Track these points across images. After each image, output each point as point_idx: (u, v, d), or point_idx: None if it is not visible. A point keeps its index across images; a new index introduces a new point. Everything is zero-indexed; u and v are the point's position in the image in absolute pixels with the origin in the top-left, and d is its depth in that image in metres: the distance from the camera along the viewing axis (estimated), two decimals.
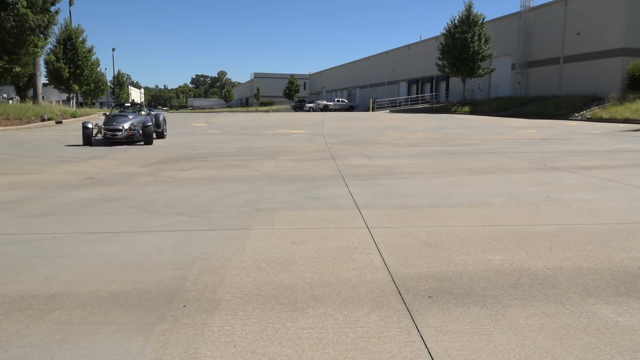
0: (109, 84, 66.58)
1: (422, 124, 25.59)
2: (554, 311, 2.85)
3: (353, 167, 9.45)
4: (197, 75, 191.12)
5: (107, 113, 16.02)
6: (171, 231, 4.63)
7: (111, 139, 14.36)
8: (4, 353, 2.40)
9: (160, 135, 16.59)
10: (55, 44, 39.85)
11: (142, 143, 14.67)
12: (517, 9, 42.83)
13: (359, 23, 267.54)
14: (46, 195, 6.47)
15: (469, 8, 39.99)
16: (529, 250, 3.97)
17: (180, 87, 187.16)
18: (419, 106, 48.60)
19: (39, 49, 24.15)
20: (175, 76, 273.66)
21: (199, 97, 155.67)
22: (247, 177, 8.13)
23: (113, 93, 73.07)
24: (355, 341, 2.51)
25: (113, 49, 68.82)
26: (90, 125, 14.37)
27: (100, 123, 14.90)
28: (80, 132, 14.52)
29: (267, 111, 56.42)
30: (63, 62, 39.75)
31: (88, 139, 14.26)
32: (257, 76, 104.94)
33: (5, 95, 45.14)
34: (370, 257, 3.83)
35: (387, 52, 65.54)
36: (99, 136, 14.69)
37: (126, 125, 14.40)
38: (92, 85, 45.68)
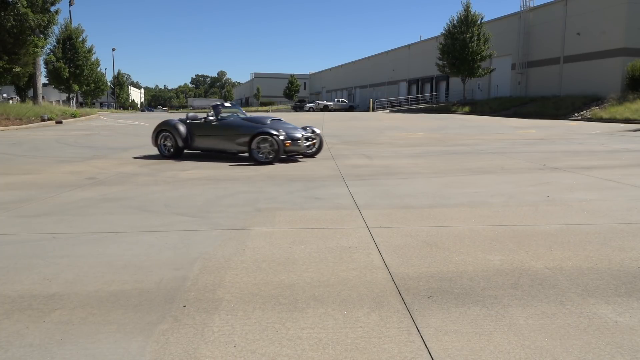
0: (109, 84, 66.64)
1: (422, 124, 25.58)
2: (554, 311, 2.85)
3: (353, 167, 9.45)
4: (197, 75, 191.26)
5: (222, 116, 10.98)
6: (171, 231, 4.63)
7: (295, 152, 10.47)
8: (4, 353, 2.40)
9: None
10: (55, 44, 39.92)
11: (301, 156, 10.97)
12: (517, 9, 42.90)
13: (359, 23, 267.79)
14: (46, 195, 6.47)
15: (467, 8, 40.02)
16: (529, 250, 3.97)
17: (180, 87, 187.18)
18: (419, 106, 48.60)
19: (39, 49, 24.16)
20: (175, 76, 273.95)
21: (199, 97, 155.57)
22: (247, 177, 8.13)
23: (113, 93, 73.12)
24: (355, 341, 2.51)
25: (113, 49, 68.92)
26: (277, 133, 9.87)
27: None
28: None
29: (267, 111, 56.42)
30: (63, 62, 39.82)
31: (276, 154, 9.80)
32: (257, 76, 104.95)
33: (5, 95, 45.15)
34: (370, 257, 3.83)
35: (387, 52, 65.54)
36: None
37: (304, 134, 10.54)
38: (92, 85, 45.75)
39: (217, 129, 10.64)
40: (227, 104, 11.83)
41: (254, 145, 9.90)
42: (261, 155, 9.94)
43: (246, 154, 10.35)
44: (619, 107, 27.20)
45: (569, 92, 34.40)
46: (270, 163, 9.85)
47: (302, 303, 2.98)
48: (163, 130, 11.05)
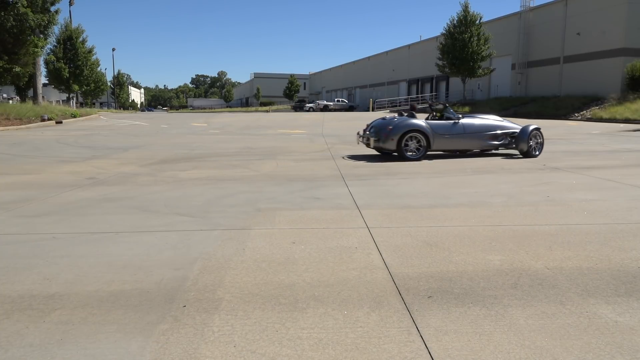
0: (109, 84, 66.63)
1: None
2: (554, 311, 2.85)
3: (353, 167, 9.44)
4: (197, 75, 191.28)
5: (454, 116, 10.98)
6: (171, 231, 4.63)
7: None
8: (4, 353, 2.39)
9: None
10: (55, 44, 39.92)
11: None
12: (517, 9, 42.91)
13: (359, 23, 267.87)
14: (46, 195, 6.47)
15: (465, 8, 40.02)
16: (529, 250, 3.97)
17: (180, 87, 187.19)
18: (419, 106, 48.55)
19: (39, 49, 24.15)
20: (175, 76, 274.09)
21: (199, 97, 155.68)
22: (247, 177, 8.13)
23: (113, 93, 73.10)
24: (355, 341, 2.51)
25: (113, 49, 68.89)
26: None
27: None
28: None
29: (267, 111, 56.43)
30: (63, 62, 39.80)
31: (542, 148, 11.11)
32: (257, 76, 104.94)
33: (5, 95, 45.15)
34: (370, 257, 3.83)
35: (387, 52, 65.53)
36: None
37: None
38: (92, 85, 45.73)
39: (464, 128, 10.79)
40: (441, 104, 11.98)
41: (532, 142, 10.99)
42: (535, 152, 11.05)
43: (491, 150, 11.40)
44: (619, 107, 27.21)
45: (569, 92, 34.41)
46: (535, 157, 10.89)
47: (302, 303, 2.97)
48: (410, 131, 10.40)
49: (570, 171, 8.55)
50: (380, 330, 2.63)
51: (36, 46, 23.40)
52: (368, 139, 10.88)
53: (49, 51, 37.85)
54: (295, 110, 57.57)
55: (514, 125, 11.30)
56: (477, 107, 38.25)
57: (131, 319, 2.76)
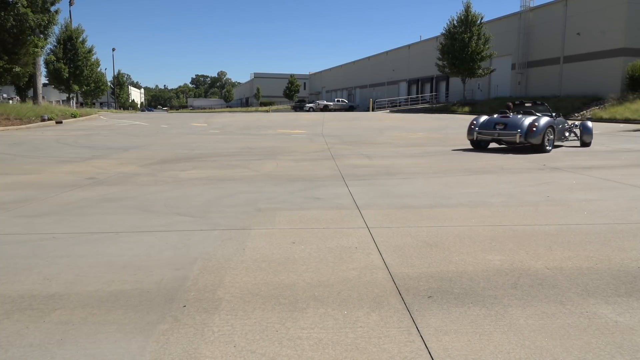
0: (109, 84, 66.62)
1: (422, 124, 25.59)
2: (554, 311, 2.85)
3: (353, 167, 9.44)
4: (197, 75, 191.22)
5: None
6: (171, 231, 4.63)
7: None
8: (4, 353, 2.39)
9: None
10: (55, 44, 39.93)
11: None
12: (517, 9, 42.86)
13: (359, 23, 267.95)
14: (46, 195, 6.46)
15: (467, 8, 40.02)
16: (529, 250, 3.97)
17: (180, 87, 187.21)
18: (419, 106, 48.60)
19: (39, 49, 24.14)
20: (175, 76, 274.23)
21: (199, 97, 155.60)
22: (247, 177, 8.13)
23: (113, 93, 73.11)
24: (355, 341, 2.51)
25: (113, 49, 68.93)
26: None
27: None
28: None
29: (267, 111, 56.42)
30: (63, 62, 39.81)
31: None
32: (257, 76, 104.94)
33: (5, 95, 45.13)
34: (370, 257, 3.83)
35: (387, 52, 65.54)
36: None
37: None
38: (92, 85, 45.76)
39: (559, 124, 13.03)
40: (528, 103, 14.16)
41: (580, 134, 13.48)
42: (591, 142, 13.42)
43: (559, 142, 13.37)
44: (619, 107, 27.20)
45: (569, 92, 34.40)
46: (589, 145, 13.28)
47: (302, 303, 2.97)
48: (549, 128, 12.27)
49: (570, 171, 8.56)
50: (380, 330, 2.63)
51: (36, 46, 23.39)
52: (503, 136, 12.25)
53: (49, 51, 37.87)
54: (295, 110, 57.55)
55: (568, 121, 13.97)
56: (478, 107, 38.25)
57: (131, 319, 2.76)
